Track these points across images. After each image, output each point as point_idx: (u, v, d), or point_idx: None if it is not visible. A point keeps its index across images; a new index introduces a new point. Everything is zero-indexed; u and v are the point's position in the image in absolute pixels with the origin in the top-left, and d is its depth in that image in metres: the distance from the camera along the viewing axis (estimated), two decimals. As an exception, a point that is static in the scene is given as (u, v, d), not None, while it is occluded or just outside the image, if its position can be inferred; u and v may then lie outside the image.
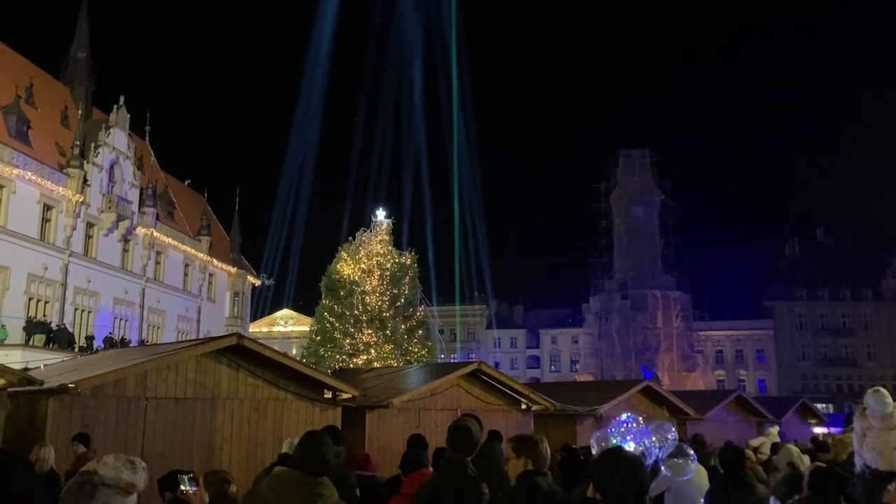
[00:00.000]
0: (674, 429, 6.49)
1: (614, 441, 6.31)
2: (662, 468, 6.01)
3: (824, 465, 5.79)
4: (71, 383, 9.11)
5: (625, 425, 6.52)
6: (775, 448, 11.56)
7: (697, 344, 70.38)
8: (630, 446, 6.07)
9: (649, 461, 6.11)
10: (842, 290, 72.83)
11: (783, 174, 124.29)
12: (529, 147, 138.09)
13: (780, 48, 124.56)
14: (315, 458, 3.78)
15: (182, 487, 4.84)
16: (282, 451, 8.90)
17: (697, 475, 6.91)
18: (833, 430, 24.01)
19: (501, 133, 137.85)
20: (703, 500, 6.14)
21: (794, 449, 9.97)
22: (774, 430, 14.46)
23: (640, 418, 6.70)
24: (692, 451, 6.49)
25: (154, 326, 41.89)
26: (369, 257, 37.96)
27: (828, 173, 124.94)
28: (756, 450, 12.00)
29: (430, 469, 5.99)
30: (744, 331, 74.68)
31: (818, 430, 26.20)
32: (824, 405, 53.06)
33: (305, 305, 66.28)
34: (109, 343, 32.04)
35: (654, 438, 6.27)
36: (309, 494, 3.68)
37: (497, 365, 64.79)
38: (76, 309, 35.40)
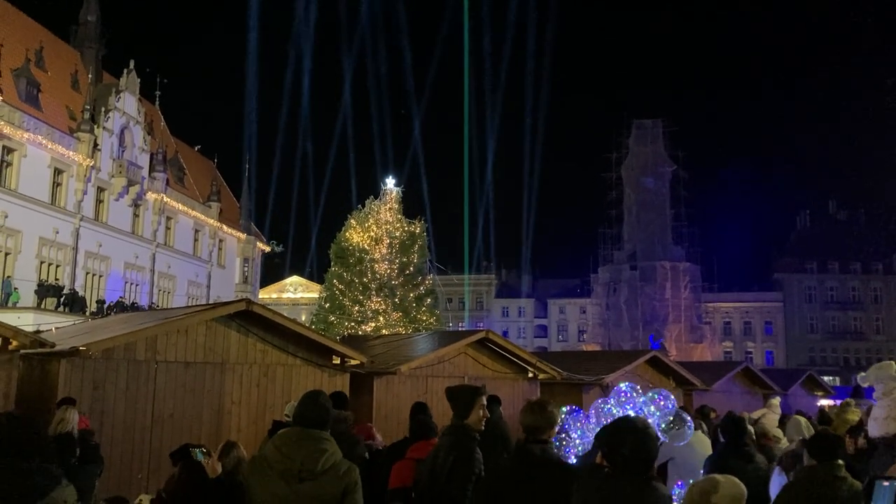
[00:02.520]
0: (673, 397, 6.50)
1: (614, 411, 6.33)
2: (660, 436, 6.04)
3: (822, 429, 5.81)
4: (82, 346, 9.18)
5: (624, 395, 6.54)
6: (782, 420, 11.56)
7: (705, 315, 70.31)
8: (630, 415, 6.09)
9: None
10: (852, 264, 72.47)
11: (796, 146, 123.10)
12: (540, 116, 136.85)
13: (794, 17, 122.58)
14: (315, 412, 3.90)
15: (195, 460, 4.91)
16: (284, 414, 8.98)
17: (700, 445, 6.93)
18: (839, 402, 24.02)
19: (512, 102, 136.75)
20: (703, 469, 6.18)
21: (803, 420, 9.98)
22: (776, 401, 14.41)
23: (639, 387, 6.71)
24: (689, 417, 6.51)
25: (164, 291, 42.18)
26: (378, 225, 37.99)
27: (841, 145, 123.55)
28: (756, 421, 12.02)
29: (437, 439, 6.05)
30: (752, 303, 74.56)
31: (824, 401, 26.27)
32: (831, 378, 53.09)
33: (315, 273, 66.55)
34: (120, 307, 32.31)
35: (653, 407, 6.30)
36: (314, 448, 3.79)
37: (505, 334, 64.98)
38: (87, 273, 35.67)
